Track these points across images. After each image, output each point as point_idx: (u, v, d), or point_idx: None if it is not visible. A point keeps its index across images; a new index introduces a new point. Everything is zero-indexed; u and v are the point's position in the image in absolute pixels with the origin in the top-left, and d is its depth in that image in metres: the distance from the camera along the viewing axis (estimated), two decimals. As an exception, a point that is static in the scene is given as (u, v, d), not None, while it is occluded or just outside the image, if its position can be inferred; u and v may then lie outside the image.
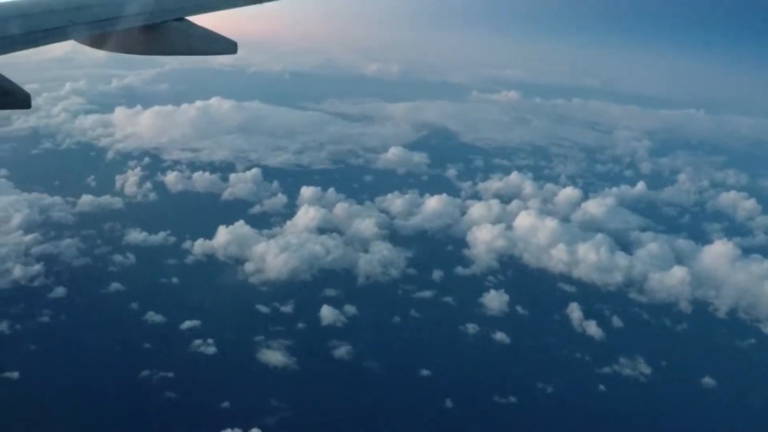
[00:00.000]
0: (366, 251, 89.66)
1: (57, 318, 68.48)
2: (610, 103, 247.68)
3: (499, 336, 74.86)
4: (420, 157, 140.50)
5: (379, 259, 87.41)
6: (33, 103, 9.85)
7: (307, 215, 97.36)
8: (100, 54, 14.55)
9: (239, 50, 12.45)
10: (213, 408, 57.95)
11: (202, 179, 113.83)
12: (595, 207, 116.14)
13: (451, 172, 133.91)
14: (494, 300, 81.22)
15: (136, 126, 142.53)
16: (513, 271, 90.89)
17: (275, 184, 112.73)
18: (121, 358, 63.37)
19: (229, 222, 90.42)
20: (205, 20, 12.65)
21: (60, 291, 73.02)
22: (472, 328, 76.00)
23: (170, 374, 61.33)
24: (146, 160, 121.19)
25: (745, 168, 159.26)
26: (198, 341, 66.59)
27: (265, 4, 14.56)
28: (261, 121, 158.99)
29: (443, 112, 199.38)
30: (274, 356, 66.40)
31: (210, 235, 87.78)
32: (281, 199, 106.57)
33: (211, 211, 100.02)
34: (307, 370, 65.24)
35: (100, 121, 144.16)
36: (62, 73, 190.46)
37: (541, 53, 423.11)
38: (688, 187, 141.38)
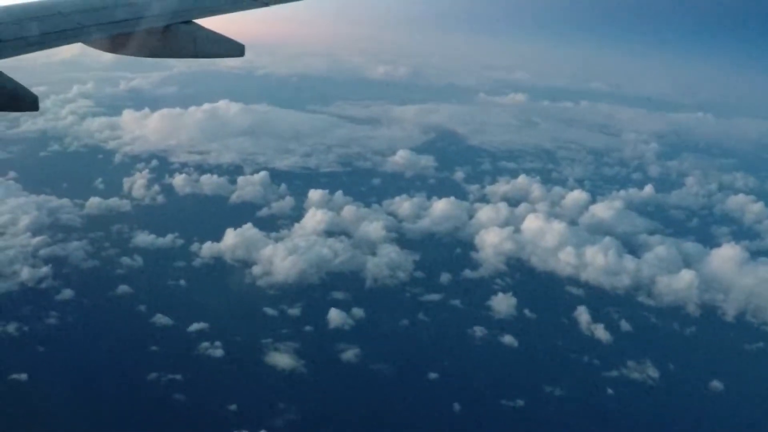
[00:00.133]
0: (374, 254, 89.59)
1: (64, 320, 68.58)
2: (617, 106, 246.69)
3: (507, 339, 74.75)
4: (428, 160, 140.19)
5: (386, 262, 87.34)
6: (41, 105, 9.85)
7: (314, 218, 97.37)
8: (107, 57, 14.55)
9: (247, 53, 12.42)
10: (220, 410, 57.98)
11: (209, 182, 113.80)
12: (602, 210, 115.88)
13: (459, 175, 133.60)
14: (502, 303, 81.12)
15: (144, 129, 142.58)
16: (521, 274, 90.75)
17: (283, 186, 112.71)
18: (128, 361, 63.41)
19: (236, 225, 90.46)
20: (212, 23, 12.64)
21: (68, 293, 73.09)
22: (479, 331, 75.91)
23: (178, 377, 61.39)
24: (154, 162, 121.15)
25: (753, 171, 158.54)
26: (206, 344, 66.60)
27: (273, 7, 14.53)
28: (269, 124, 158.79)
29: (451, 115, 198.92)
30: (281, 359, 66.40)
31: (218, 237, 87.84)
32: (289, 201, 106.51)
33: (219, 214, 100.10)
34: (315, 373, 65.25)
35: (107, 124, 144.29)
36: (70, 75, 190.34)
37: (549, 56, 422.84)
38: (696, 191, 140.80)
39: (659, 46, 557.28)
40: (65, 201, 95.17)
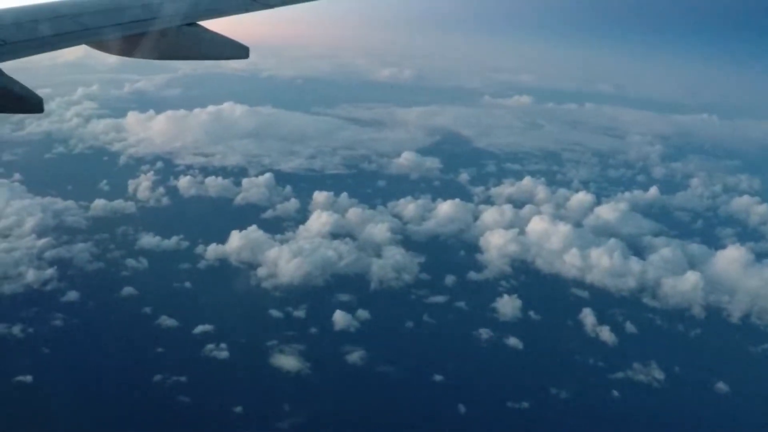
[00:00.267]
0: (379, 256, 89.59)
1: (70, 322, 68.61)
2: (622, 108, 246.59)
3: (512, 341, 74.68)
4: (432, 162, 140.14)
5: (391, 264, 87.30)
6: (45, 107, 9.85)
7: (319, 220, 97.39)
8: (112, 59, 14.60)
9: (251, 55, 12.43)
10: (226, 412, 57.99)
11: (214, 184, 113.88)
12: (607, 212, 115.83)
13: (464, 177, 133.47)
14: (507, 305, 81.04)
15: (149, 131, 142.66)
16: (526, 276, 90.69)
17: (288, 188, 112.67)
18: (133, 362, 63.44)
19: (241, 227, 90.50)
20: (217, 25, 12.63)
21: (73, 295, 73.15)
22: (484, 333, 75.85)
23: (183, 378, 61.42)
24: (159, 164, 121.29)
25: (758, 173, 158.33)
26: (211, 346, 66.61)
27: (277, 9, 14.53)
28: (273, 126, 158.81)
29: (456, 117, 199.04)
30: (286, 361, 66.39)
31: (223, 239, 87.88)
32: (294, 203, 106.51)
33: (224, 216, 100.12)
34: (320, 375, 65.21)
35: (112, 126, 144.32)
36: (74, 77, 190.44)
37: (554, 58, 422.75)
38: (701, 192, 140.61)
39: (664, 47, 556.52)
40: (70, 203, 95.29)
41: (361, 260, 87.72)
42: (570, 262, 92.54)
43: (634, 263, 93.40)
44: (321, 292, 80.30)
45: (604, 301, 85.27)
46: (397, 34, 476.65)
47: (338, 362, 67.43)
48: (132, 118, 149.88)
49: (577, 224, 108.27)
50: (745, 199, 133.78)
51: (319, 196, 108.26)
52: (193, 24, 12.31)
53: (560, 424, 63.13)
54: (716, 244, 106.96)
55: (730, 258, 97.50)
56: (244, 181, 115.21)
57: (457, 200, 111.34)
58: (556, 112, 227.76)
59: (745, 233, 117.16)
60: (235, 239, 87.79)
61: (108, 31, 11.44)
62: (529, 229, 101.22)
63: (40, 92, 9.71)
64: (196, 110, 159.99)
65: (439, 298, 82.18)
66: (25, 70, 10.74)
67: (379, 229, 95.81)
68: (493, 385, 67.17)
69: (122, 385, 60.20)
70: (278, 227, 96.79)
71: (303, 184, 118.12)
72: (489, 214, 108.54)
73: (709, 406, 69.03)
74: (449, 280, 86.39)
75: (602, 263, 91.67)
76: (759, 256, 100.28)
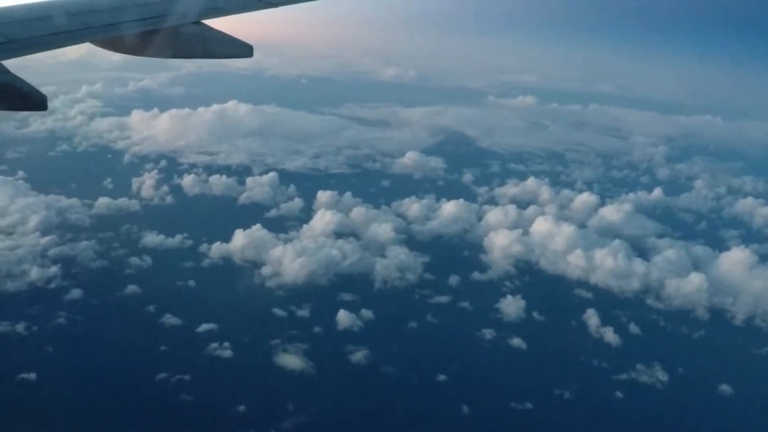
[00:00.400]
0: (383, 256, 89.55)
1: (73, 320, 68.61)
2: (626, 109, 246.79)
3: (516, 342, 74.61)
4: (437, 162, 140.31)
5: (395, 263, 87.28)
6: (49, 105, 9.84)
7: (323, 219, 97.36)
8: (116, 57, 14.58)
9: (255, 54, 12.42)
10: (229, 411, 57.97)
11: (218, 183, 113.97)
12: (611, 213, 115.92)
13: (468, 177, 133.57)
14: (511, 305, 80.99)
15: (153, 129, 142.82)
16: (530, 276, 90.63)
17: (292, 188, 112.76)
18: (137, 361, 63.38)
19: (245, 226, 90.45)
20: (221, 24, 12.62)
21: (76, 293, 73.14)
22: (488, 333, 75.82)
23: (187, 377, 61.39)
24: (163, 163, 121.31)
25: (762, 174, 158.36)
26: (214, 344, 66.59)
27: (281, 8, 14.50)
28: (277, 125, 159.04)
29: (460, 117, 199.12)
30: (290, 360, 66.34)
31: (227, 238, 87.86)
32: (298, 203, 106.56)
33: (228, 215, 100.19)
34: (324, 375, 65.14)
35: (116, 124, 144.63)
36: (78, 75, 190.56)
37: (558, 59, 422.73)
38: (705, 194, 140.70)
39: (668, 48, 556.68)
40: (74, 201, 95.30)
41: (364, 260, 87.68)
42: (574, 263, 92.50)
43: (638, 264, 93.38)
44: (325, 292, 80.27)
45: (608, 302, 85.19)
46: (401, 34, 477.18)
47: (342, 362, 67.39)
48: (136, 116, 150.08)
49: (581, 225, 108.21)
50: (749, 200, 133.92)
51: (323, 195, 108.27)
52: (197, 23, 12.30)
53: (564, 424, 63.03)
54: (720, 246, 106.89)
55: (734, 260, 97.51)
56: (248, 180, 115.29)
57: (461, 200, 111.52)
58: (560, 113, 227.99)
59: (749, 235, 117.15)
60: (239, 238, 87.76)
61: (112, 30, 11.43)
62: (533, 230, 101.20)
63: (44, 90, 9.71)
64: (200, 109, 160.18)
65: (443, 298, 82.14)
66: (29, 67, 10.73)
67: (383, 229, 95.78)
68: (497, 385, 67.09)
69: (125, 383, 60.13)
70: (282, 226, 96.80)
71: (307, 183, 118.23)
72: (493, 215, 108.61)
73: (713, 408, 68.93)
74: (453, 280, 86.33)
75: (606, 264, 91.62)
76: (763, 258, 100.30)
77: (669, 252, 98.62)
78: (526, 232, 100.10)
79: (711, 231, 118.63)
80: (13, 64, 9.54)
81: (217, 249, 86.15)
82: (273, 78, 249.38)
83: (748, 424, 66.87)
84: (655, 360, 72.82)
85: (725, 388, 70.21)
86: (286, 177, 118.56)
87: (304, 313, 74.80)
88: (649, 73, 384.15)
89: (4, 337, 64.26)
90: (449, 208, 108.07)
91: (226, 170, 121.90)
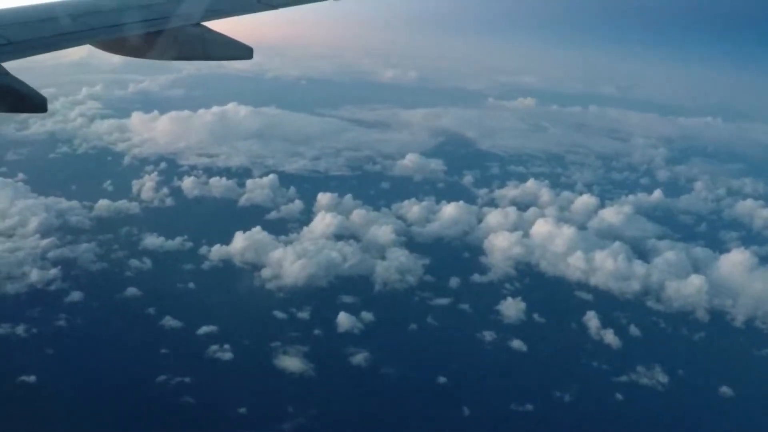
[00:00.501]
0: (383, 258, 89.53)
1: (73, 322, 68.63)
2: (626, 110, 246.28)
3: (516, 344, 74.66)
4: (437, 164, 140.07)
5: (396, 265, 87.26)
6: (49, 107, 9.83)
7: (323, 221, 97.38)
8: (116, 59, 14.54)
9: (255, 56, 12.41)
10: (230, 413, 58.04)
11: (218, 185, 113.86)
12: (611, 215, 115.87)
13: (468, 179, 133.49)
14: (511, 307, 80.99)
15: (153, 131, 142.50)
16: (530, 278, 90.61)
17: (292, 190, 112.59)
18: (137, 363, 63.42)
19: (245, 228, 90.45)
20: (221, 25, 12.60)
21: (76, 295, 73.16)
22: (488, 335, 75.87)
23: (187, 379, 61.43)
24: (163, 165, 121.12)
25: (762, 176, 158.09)
26: (215, 347, 66.62)
27: (281, 10, 14.49)
28: (277, 127, 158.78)
29: (460, 119, 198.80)
30: (291, 362, 66.37)
31: (227, 240, 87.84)
32: (298, 205, 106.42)
33: (228, 217, 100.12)
34: (324, 377, 65.20)
35: (116, 126, 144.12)
36: (79, 77, 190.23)
37: (558, 60, 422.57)
38: (705, 195, 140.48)
39: (668, 50, 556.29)
40: (74, 203, 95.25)
41: (365, 262, 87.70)
42: (574, 265, 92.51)
43: (638, 266, 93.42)
44: (325, 294, 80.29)
45: (608, 304, 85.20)
46: (401, 36, 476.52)
47: (342, 364, 67.45)
48: (136, 118, 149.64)
49: (581, 227, 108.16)
50: (749, 202, 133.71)
51: (323, 197, 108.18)
52: (197, 24, 12.28)
53: (564, 426, 63.10)
54: (720, 248, 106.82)
55: (734, 261, 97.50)
56: (248, 182, 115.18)
57: (461, 202, 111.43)
58: (560, 115, 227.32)
59: (749, 237, 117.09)
60: (239, 240, 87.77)
61: (112, 32, 11.42)
62: (533, 232, 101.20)
63: (44, 92, 9.69)
64: (200, 111, 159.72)
65: (443, 300, 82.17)
66: (29, 69, 10.71)
67: (383, 231, 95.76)
68: (497, 387, 67.14)
69: (126, 385, 60.17)
70: (282, 228, 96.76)
71: (307, 185, 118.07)
72: (493, 217, 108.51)
73: (713, 410, 68.93)
74: (453, 282, 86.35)
75: (606, 266, 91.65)
76: (763, 260, 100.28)
77: (669, 254, 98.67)
78: (526, 234, 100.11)
79: (711, 233, 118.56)
80: (13, 66, 9.52)
81: (217, 251, 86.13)
82: (273, 80, 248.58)
83: (748, 425, 66.88)
84: (656, 362, 72.86)
85: (725, 389, 70.25)
86: (286, 179, 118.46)
87: (304, 315, 74.84)
88: (649, 74, 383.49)
89: (4, 340, 64.29)
90: (449, 210, 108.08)
91: (226, 172, 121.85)
